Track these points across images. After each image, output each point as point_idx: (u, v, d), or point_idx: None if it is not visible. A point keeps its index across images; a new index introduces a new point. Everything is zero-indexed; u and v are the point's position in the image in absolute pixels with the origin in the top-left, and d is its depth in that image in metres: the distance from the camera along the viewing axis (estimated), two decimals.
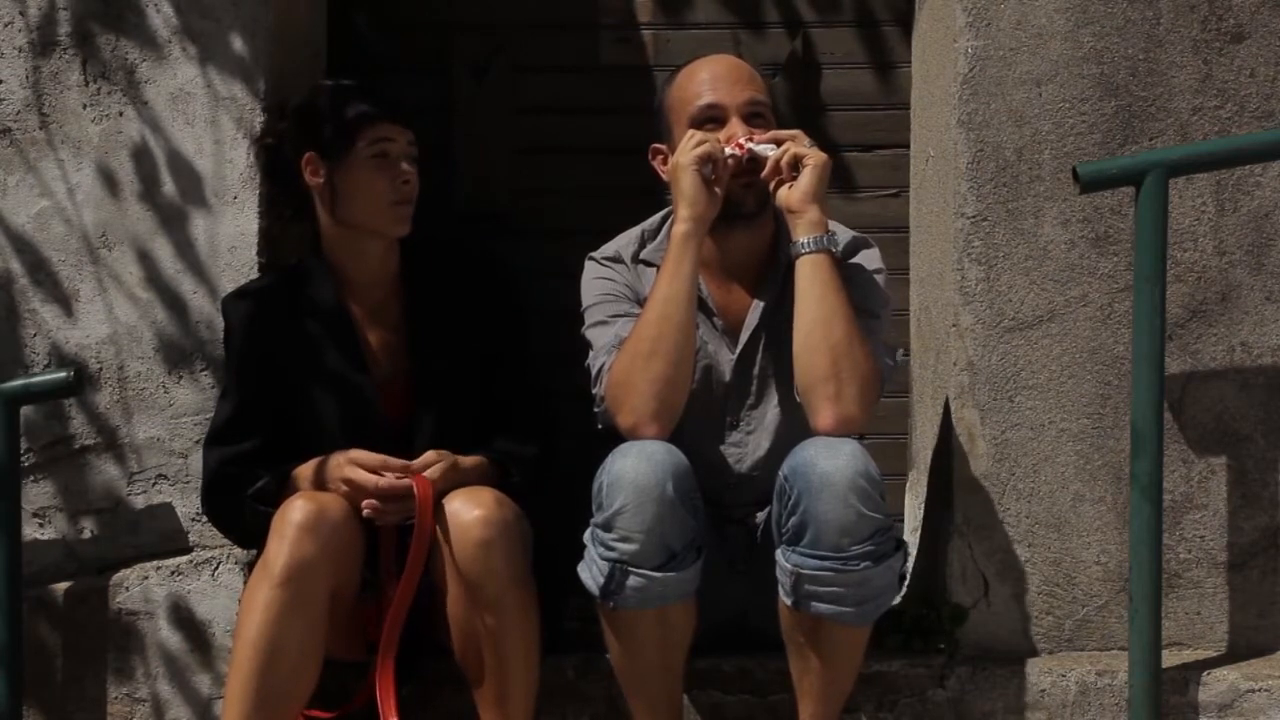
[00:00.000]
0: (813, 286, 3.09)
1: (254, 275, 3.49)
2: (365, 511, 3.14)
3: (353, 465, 3.16)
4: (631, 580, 2.98)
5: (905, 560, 3.09)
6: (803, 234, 3.11)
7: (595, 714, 3.38)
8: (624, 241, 3.35)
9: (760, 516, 3.26)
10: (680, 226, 3.12)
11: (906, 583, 3.13)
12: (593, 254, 3.35)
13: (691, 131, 3.18)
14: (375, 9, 3.86)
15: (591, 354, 3.24)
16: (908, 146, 3.77)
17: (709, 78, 3.25)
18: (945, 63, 3.49)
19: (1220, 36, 3.42)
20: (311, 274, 3.35)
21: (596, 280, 3.31)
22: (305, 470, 3.23)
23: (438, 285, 3.37)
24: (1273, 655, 3.44)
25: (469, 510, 3.10)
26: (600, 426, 3.18)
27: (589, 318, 3.28)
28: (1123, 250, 3.41)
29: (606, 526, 2.98)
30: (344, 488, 3.16)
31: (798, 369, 3.10)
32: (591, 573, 3.03)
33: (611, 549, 2.99)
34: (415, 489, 3.12)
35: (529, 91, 3.88)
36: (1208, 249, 3.43)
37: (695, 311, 3.13)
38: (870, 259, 3.26)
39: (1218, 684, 3.34)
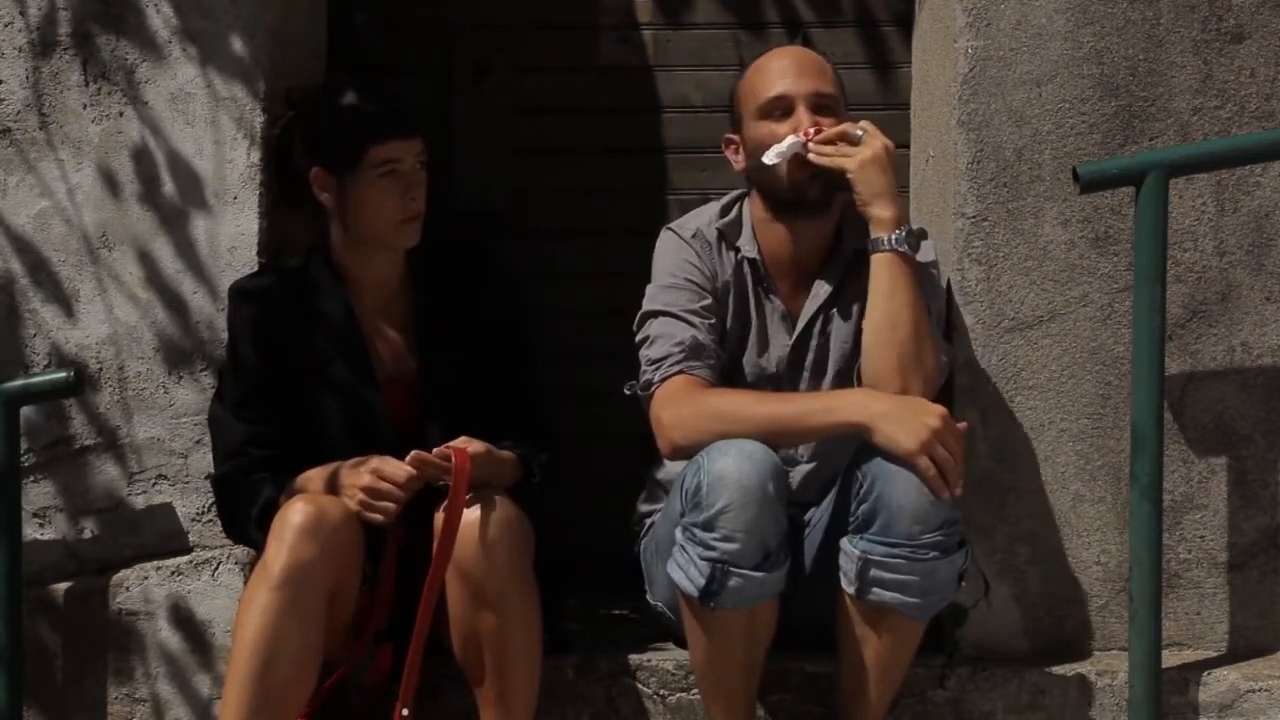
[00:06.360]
0: (883, 284, 3.12)
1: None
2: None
3: (375, 477, 3.11)
4: (732, 581, 2.98)
5: (966, 559, 3.10)
6: (873, 231, 3.15)
7: (595, 714, 3.38)
8: (704, 219, 3.34)
9: (810, 514, 3.25)
10: (851, 417, 3.05)
11: (963, 583, 3.14)
12: (671, 226, 3.34)
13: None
14: (375, 9, 3.86)
15: (654, 339, 3.21)
16: (908, 147, 3.76)
17: (776, 69, 3.28)
18: (945, 63, 3.49)
19: (1220, 36, 3.42)
20: (319, 273, 3.34)
21: (679, 260, 3.28)
22: (315, 478, 3.20)
23: (445, 287, 3.35)
24: (1273, 655, 3.44)
25: (471, 509, 3.08)
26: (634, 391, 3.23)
27: (661, 297, 3.25)
28: (1123, 250, 3.41)
29: (708, 526, 2.97)
30: (360, 495, 3.12)
31: (865, 362, 3.13)
32: (688, 573, 3.01)
33: (712, 549, 2.97)
34: (453, 460, 3.09)
35: (529, 91, 3.88)
36: (1208, 249, 3.43)
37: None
38: (923, 252, 3.25)
39: (1218, 684, 3.35)
